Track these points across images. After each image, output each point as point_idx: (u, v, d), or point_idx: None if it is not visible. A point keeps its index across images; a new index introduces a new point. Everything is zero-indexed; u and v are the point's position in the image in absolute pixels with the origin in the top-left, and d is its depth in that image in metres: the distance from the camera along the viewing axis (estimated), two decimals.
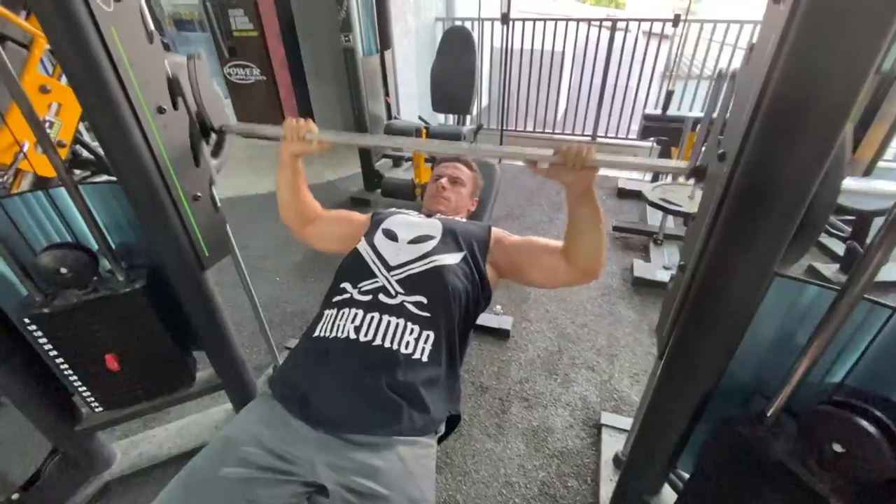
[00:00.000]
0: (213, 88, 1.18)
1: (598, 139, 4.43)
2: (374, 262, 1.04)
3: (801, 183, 0.63)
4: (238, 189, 3.53)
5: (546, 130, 4.61)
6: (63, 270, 1.09)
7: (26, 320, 1.11)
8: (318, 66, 4.40)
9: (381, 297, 0.97)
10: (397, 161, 3.48)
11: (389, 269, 1.02)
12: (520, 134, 4.58)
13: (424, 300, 0.97)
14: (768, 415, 0.79)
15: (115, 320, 1.20)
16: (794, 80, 0.58)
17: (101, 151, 2.81)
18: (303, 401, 0.86)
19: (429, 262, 1.03)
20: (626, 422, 1.56)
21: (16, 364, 1.21)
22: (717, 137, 0.85)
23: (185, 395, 1.43)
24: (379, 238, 1.11)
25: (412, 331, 0.93)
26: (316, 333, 0.96)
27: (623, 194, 3.27)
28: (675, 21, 3.30)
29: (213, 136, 1.22)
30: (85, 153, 2.53)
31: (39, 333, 1.13)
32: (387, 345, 0.90)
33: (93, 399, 1.30)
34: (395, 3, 3.22)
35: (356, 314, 0.94)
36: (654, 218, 2.79)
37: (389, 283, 0.99)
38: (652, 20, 3.76)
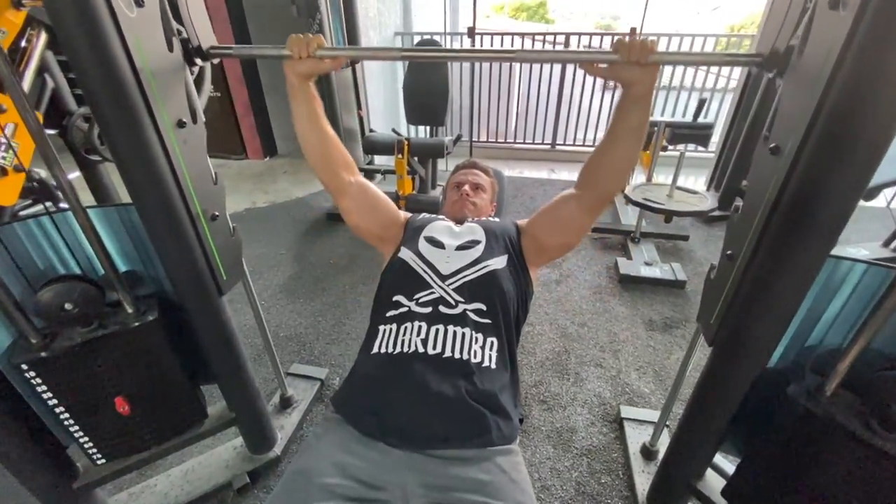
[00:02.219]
0: (202, 6, 0.99)
1: (558, 146, 4.62)
2: (425, 271, 1.01)
3: (863, 171, 0.70)
4: None
5: (508, 140, 4.75)
6: (68, 306, 0.97)
7: (23, 366, 0.97)
8: (275, 80, 4.25)
9: (442, 308, 0.94)
10: (370, 175, 3.42)
11: (443, 278, 1.00)
12: (488, 145, 4.68)
13: (484, 307, 0.96)
14: (827, 389, 0.85)
15: (125, 358, 1.08)
16: (862, 83, 0.64)
17: (43, 175, 2.54)
18: (380, 421, 0.81)
19: (482, 268, 1.02)
20: (646, 413, 1.61)
21: (3, 416, 1.05)
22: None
23: (197, 434, 1.31)
24: (424, 246, 1.08)
25: (477, 339, 0.91)
26: (376, 350, 0.91)
27: None
28: (632, 33, 3.54)
29: (199, 62, 1.02)
30: (43, 174, 2.28)
31: (38, 381, 0.99)
32: (457, 355, 0.87)
33: (95, 450, 1.15)
34: (359, 16, 3.20)
35: (420, 327, 0.91)
36: (627, 217, 2.94)
37: (447, 292, 0.97)
38: (603, 34, 4.00)
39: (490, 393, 0.85)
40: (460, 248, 1.07)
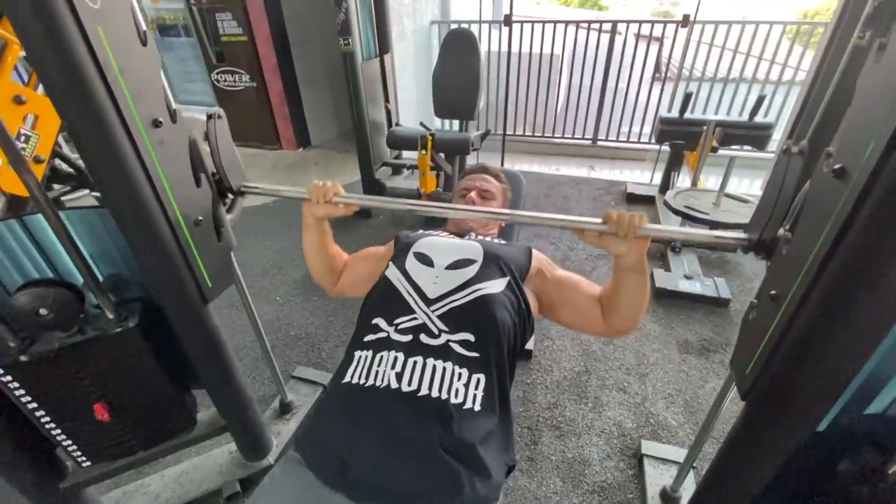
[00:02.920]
0: (233, 147, 1.13)
1: (599, 142, 4.35)
2: (409, 293, 0.90)
3: None
4: None
5: (546, 134, 4.52)
6: (43, 311, 0.93)
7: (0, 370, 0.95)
8: (310, 71, 4.25)
9: (423, 337, 0.83)
10: (397, 169, 3.34)
11: (429, 302, 0.89)
12: (521, 138, 4.48)
13: (472, 338, 0.84)
14: (890, 472, 0.68)
15: (106, 364, 1.04)
16: None
17: (82, 164, 2.62)
18: (340, 467, 0.72)
19: (473, 292, 0.90)
20: (669, 451, 1.44)
21: None
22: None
23: (186, 440, 1.28)
24: (412, 263, 0.97)
25: (460, 376, 0.80)
26: (347, 380, 0.82)
27: (633, 199, 3.17)
28: (685, 22, 3.23)
29: (230, 196, 1.17)
30: (65, 167, 2.36)
31: (16, 385, 0.97)
32: (434, 394, 0.77)
33: (80, 453, 1.13)
34: (391, 6, 3.10)
35: (396, 358, 0.80)
36: (669, 223, 2.70)
37: (430, 319, 0.86)
38: (654, 21, 3.69)
39: (468, 444, 0.73)
40: (451, 266, 0.95)
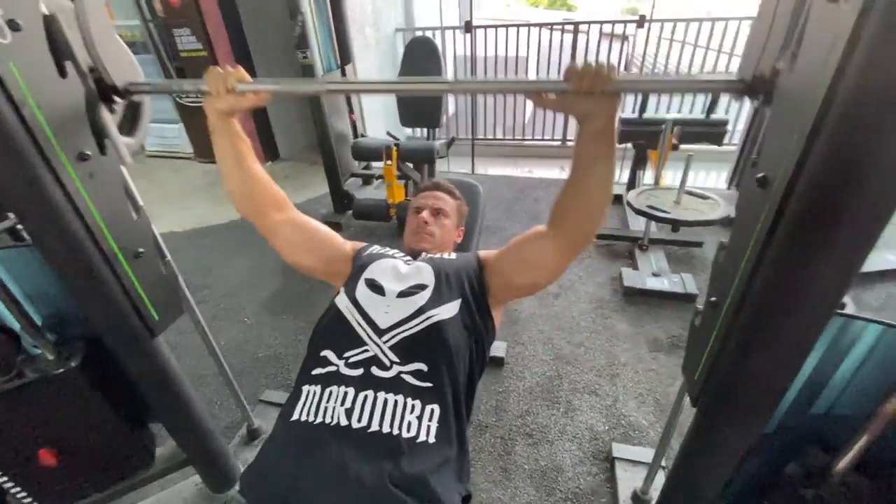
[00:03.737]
0: (114, 35, 0.90)
1: (569, 143, 4.39)
2: (360, 324, 0.88)
3: (881, 205, 0.53)
4: (196, 220, 3.28)
5: (516, 137, 4.55)
6: None
7: None
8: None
9: (374, 369, 0.81)
10: (367, 179, 3.32)
11: (380, 332, 0.86)
12: (491, 142, 4.49)
13: (424, 367, 0.82)
14: (834, 472, 0.69)
15: (50, 407, 1.00)
16: (874, 89, 0.47)
17: None
18: None
19: (425, 320, 0.88)
20: (640, 452, 1.45)
21: None
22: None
23: (145, 476, 1.23)
24: (362, 292, 0.95)
25: (413, 408, 0.78)
26: (295, 417, 0.80)
27: None
28: (641, 22, 3.29)
29: (119, 103, 0.93)
30: None
31: None
32: (385, 430, 0.75)
33: (30, 500, 1.08)
34: (353, 15, 3.08)
35: (346, 393, 0.78)
36: (636, 223, 2.74)
37: (382, 351, 0.84)
38: (615, 21, 3.75)
39: (417, 477, 0.71)
40: (402, 294, 0.93)
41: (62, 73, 0.82)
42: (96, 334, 1.07)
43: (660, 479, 1.32)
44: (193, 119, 4.14)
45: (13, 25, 0.73)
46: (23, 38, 0.74)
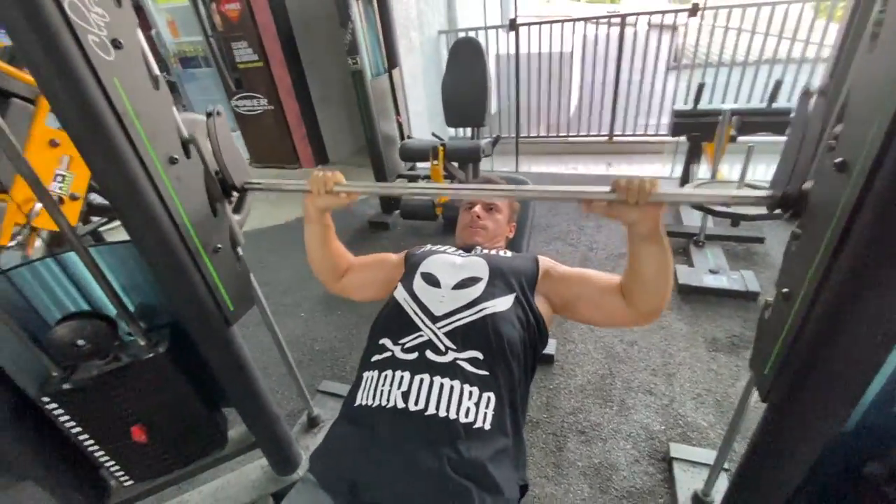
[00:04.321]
0: (234, 144, 1.12)
1: (616, 138, 4.28)
2: (415, 313, 0.92)
3: None
4: (253, 222, 3.47)
5: (560, 134, 4.48)
6: (80, 342, 1.00)
7: (45, 398, 1.02)
8: (324, 91, 4.36)
9: (429, 354, 0.84)
10: (413, 180, 3.38)
11: (435, 319, 0.90)
12: (535, 140, 4.46)
13: (480, 356, 0.85)
14: None
15: (141, 388, 1.10)
16: None
17: None
18: (353, 491, 0.74)
19: (480, 311, 0.90)
20: (700, 453, 1.40)
21: (37, 442, 1.12)
22: (809, 151, 0.72)
23: (219, 458, 1.34)
24: (419, 284, 0.99)
25: (471, 394, 0.80)
26: (357, 402, 0.84)
27: None
28: (693, 10, 3.16)
29: (235, 194, 1.16)
30: (101, 200, 2.50)
31: (61, 411, 1.04)
32: (442, 413, 0.77)
33: (122, 473, 1.20)
34: (398, 20, 3.16)
35: (402, 377, 0.82)
36: (689, 218, 2.63)
37: (437, 336, 0.87)
38: (665, 11, 3.62)
39: (477, 463, 0.74)
40: (458, 286, 0.96)
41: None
42: (179, 323, 1.18)
43: (722, 481, 1.28)
44: (249, 127, 4.39)
45: (116, 45, 0.83)
46: (122, 54, 0.84)
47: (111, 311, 1.08)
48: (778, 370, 0.77)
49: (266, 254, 2.96)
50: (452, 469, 0.72)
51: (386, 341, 0.90)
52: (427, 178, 3.20)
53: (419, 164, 3.45)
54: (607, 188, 0.80)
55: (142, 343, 1.09)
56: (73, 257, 1.00)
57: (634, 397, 1.67)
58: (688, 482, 1.34)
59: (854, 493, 0.72)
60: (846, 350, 0.66)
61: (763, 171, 3.46)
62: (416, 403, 0.78)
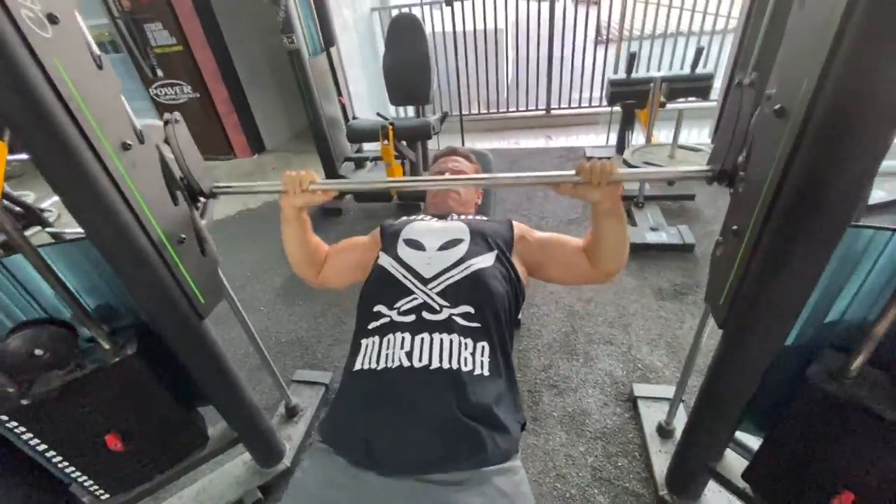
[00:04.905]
0: (195, 149, 1.09)
1: (553, 111, 4.44)
2: (405, 276, 0.95)
3: (885, 131, 0.60)
4: None
5: (500, 110, 4.57)
6: (38, 352, 0.93)
7: (3, 417, 0.93)
8: (253, 73, 4.12)
9: (426, 314, 0.88)
10: (360, 162, 3.32)
11: (425, 281, 0.93)
12: (477, 117, 4.52)
13: (472, 310, 0.89)
14: (852, 368, 0.78)
15: (111, 395, 1.04)
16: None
17: (27, 201, 2.49)
18: (367, 447, 0.76)
19: (466, 268, 0.95)
20: (660, 390, 1.56)
21: None
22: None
23: (201, 457, 1.29)
24: (403, 250, 1.01)
25: (466, 345, 0.85)
26: (359, 367, 0.86)
27: None
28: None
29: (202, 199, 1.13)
30: (11, 206, 2.24)
31: (22, 430, 0.96)
32: (445, 365, 0.81)
33: (97, 487, 1.13)
34: None
35: (403, 338, 0.85)
36: (629, 183, 2.82)
37: (430, 297, 0.90)
38: None
39: (483, 406, 0.79)
40: (442, 247, 1.00)
41: (174, 201, 1.01)
42: (143, 323, 1.11)
43: (681, 411, 1.43)
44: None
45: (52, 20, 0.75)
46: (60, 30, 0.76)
47: (66, 316, 1.00)
48: (732, 299, 0.88)
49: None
50: (462, 413, 0.76)
51: (381, 308, 0.91)
52: (376, 159, 3.16)
53: (366, 146, 3.40)
54: (572, 172, 0.92)
55: (106, 347, 1.02)
56: (19, 260, 0.91)
57: (597, 349, 1.80)
58: (652, 416, 1.48)
59: (800, 395, 0.84)
60: (789, 274, 0.76)
61: (687, 134, 3.77)
62: (419, 360, 0.81)
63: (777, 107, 0.71)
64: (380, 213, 3.01)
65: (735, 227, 0.85)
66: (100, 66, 0.85)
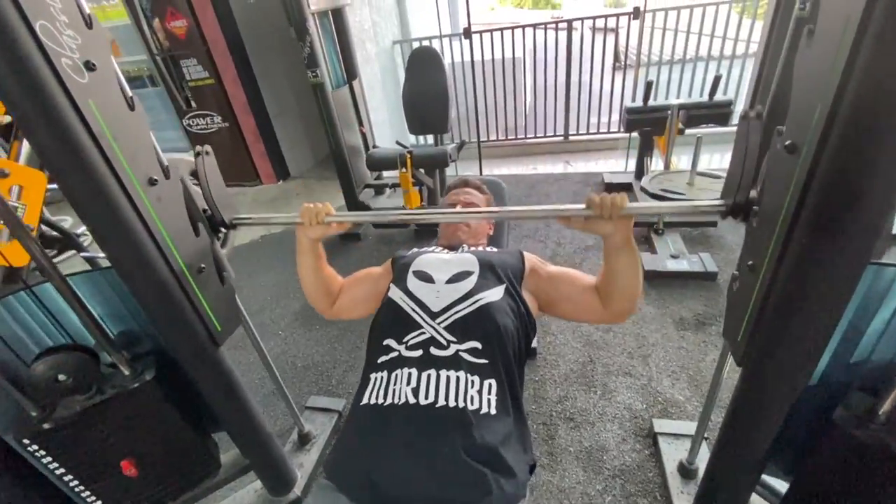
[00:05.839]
0: (221, 181, 1.15)
1: (571, 137, 4.46)
2: (414, 310, 0.95)
3: None
4: None
5: (518, 136, 4.62)
6: (62, 377, 0.96)
7: (25, 441, 0.96)
8: (280, 104, 4.29)
9: (433, 349, 0.87)
10: (379, 189, 3.39)
11: (433, 315, 0.93)
12: (495, 143, 4.58)
13: (479, 346, 0.88)
14: (881, 413, 0.74)
15: (129, 420, 1.06)
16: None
17: (64, 226, 2.62)
18: (372, 486, 0.75)
19: (475, 302, 0.94)
20: (682, 426, 1.50)
21: (13, 488, 1.05)
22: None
23: (212, 484, 1.30)
24: (413, 283, 1.02)
25: (473, 383, 0.84)
26: (366, 401, 0.86)
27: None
28: (636, 13, 3.37)
29: (223, 230, 1.18)
30: (50, 231, 2.36)
31: (42, 453, 0.99)
32: (451, 403, 0.80)
33: None
34: (353, 32, 3.17)
35: (410, 374, 0.84)
36: None
37: (437, 332, 0.90)
38: (608, 15, 3.83)
39: (490, 448, 0.77)
40: (451, 280, 1.00)
41: (196, 232, 1.05)
42: (163, 349, 1.14)
43: (703, 448, 1.37)
44: (204, 145, 4.24)
45: (89, 67, 0.81)
46: (96, 76, 0.82)
47: (89, 342, 1.04)
48: (749, 336, 0.85)
49: (236, 275, 2.87)
50: (467, 455, 0.75)
51: (390, 342, 0.92)
52: (395, 185, 3.22)
53: (385, 173, 3.47)
54: (583, 206, 0.89)
55: (126, 373, 1.05)
56: (48, 289, 0.96)
57: (615, 380, 1.75)
58: (673, 454, 1.42)
59: (827, 439, 0.80)
60: (808, 311, 0.74)
61: (708, 160, 3.72)
62: (426, 397, 0.81)
63: (788, 143, 0.70)
64: (397, 239, 3.05)
65: (750, 263, 0.83)
66: (132, 108, 0.90)
